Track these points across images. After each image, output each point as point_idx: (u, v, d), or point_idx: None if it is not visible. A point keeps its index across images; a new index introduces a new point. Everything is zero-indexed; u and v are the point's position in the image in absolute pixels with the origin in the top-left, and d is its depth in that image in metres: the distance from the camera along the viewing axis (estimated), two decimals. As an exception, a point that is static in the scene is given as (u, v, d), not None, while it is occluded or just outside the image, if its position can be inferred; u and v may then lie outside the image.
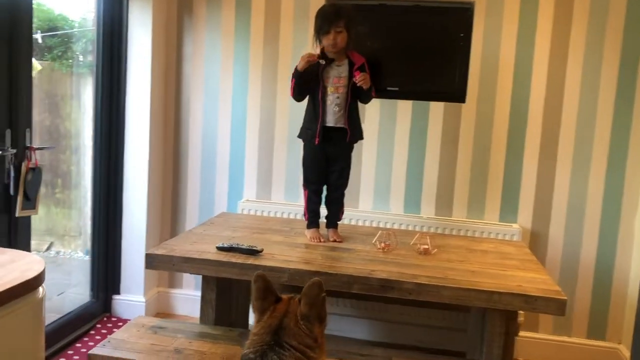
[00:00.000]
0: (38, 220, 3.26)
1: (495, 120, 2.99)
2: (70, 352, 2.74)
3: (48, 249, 3.38)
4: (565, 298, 1.92)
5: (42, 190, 3.10)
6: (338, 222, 2.60)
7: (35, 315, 1.47)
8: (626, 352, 2.87)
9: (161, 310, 3.36)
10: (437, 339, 2.99)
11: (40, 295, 1.48)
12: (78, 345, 2.82)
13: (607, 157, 2.92)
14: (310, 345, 1.28)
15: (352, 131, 2.50)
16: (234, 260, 2.07)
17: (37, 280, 1.44)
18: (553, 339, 3.03)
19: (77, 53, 3.19)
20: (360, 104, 2.56)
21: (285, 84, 3.11)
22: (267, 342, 1.27)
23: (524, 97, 2.96)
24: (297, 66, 2.45)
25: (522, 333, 2.98)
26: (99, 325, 3.05)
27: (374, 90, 2.53)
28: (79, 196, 3.30)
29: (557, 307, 1.91)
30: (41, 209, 3.28)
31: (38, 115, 3.03)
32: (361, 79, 2.41)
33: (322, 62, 2.44)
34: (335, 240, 2.49)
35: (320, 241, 2.46)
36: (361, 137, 2.60)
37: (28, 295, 1.42)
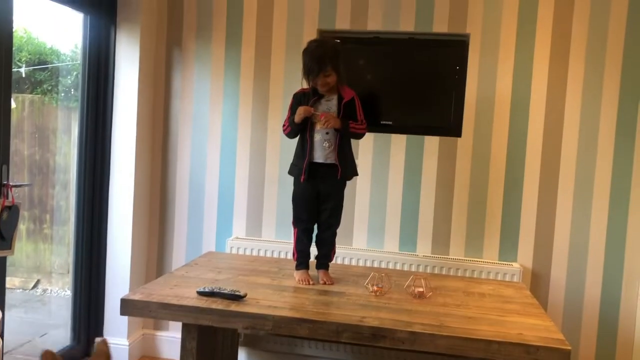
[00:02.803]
0: (25, 257, 3.16)
1: (493, 155, 2.89)
2: (46, 400, 2.59)
3: (34, 286, 3.26)
4: (569, 348, 1.79)
5: (24, 227, 3.00)
6: (329, 263, 2.47)
7: (-11, 374, 1.35)
8: (635, 400, 2.72)
9: (146, 354, 3.21)
10: (435, 386, 2.83)
11: (-6, 351, 1.35)
12: (55, 392, 2.67)
13: (610, 193, 2.82)
14: None
15: (344, 167, 2.40)
16: (214, 306, 1.94)
17: (-9, 334, 1.32)
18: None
19: (68, 87, 3.13)
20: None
21: (275, 120, 3.03)
22: None
23: (521, 132, 2.87)
24: (293, 118, 2.38)
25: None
26: (79, 371, 2.90)
27: (366, 124, 2.44)
28: (68, 232, 3.20)
29: (560, 358, 1.77)
30: (29, 245, 3.18)
31: (27, 149, 2.96)
32: (324, 121, 2.34)
33: (318, 113, 2.37)
34: (325, 283, 2.36)
35: (309, 284, 2.33)
36: (355, 174, 2.50)
37: (-20, 352, 1.30)
